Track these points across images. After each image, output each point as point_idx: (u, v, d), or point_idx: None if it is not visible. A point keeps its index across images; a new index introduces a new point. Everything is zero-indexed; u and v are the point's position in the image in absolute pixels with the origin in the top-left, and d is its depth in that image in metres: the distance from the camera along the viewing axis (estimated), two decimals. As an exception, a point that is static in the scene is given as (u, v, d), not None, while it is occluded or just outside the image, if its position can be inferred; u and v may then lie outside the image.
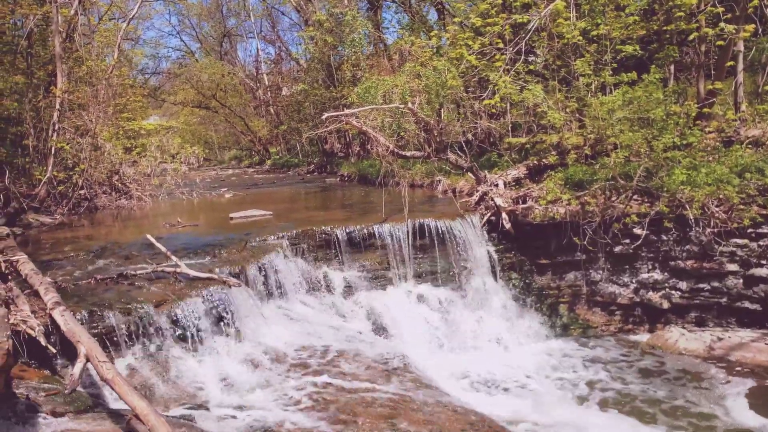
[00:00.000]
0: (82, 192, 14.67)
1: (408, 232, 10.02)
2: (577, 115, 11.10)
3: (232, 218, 12.22)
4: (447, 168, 13.83)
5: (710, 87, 12.09)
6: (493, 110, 12.61)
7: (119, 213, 14.67)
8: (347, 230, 9.94)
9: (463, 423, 5.56)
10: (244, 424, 5.32)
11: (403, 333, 8.95)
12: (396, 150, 11.01)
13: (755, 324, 9.77)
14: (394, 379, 6.62)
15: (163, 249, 8.29)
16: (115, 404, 5.00)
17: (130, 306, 6.42)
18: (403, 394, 6.20)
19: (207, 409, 5.62)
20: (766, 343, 9.18)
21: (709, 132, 11.65)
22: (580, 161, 11.01)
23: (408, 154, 11.61)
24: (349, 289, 9.51)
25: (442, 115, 11.73)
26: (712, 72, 14.07)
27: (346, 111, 10.40)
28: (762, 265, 9.65)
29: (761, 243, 9.68)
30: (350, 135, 24.49)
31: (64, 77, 14.58)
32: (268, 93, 35.83)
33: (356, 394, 6.05)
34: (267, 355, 6.96)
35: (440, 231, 10.21)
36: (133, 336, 6.23)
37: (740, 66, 12.58)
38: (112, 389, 4.40)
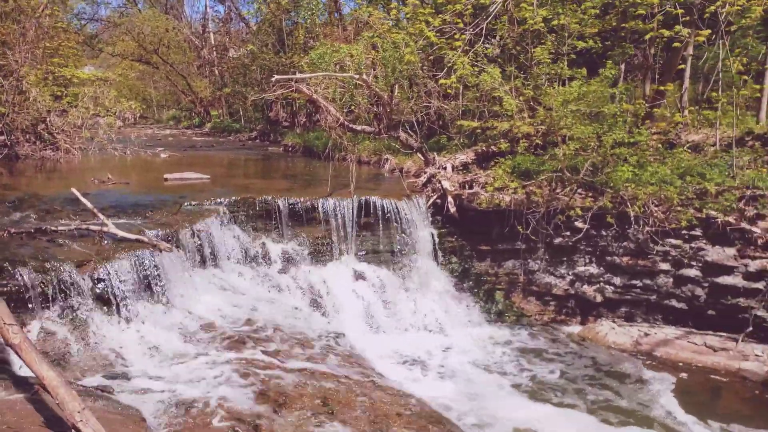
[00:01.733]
0: (0, 138, 13.51)
1: (353, 208, 9.73)
2: (531, 103, 11.05)
3: (166, 179, 11.57)
4: (395, 147, 13.59)
5: (659, 88, 12.31)
6: (449, 91, 12.40)
7: (43, 164, 13.65)
8: (289, 201, 9.55)
9: (399, 407, 5.39)
10: (166, 397, 4.95)
11: (341, 311, 8.71)
12: (346, 123, 10.65)
13: (680, 322, 10.11)
14: (329, 358, 6.38)
15: (90, 205, 7.66)
16: (23, 371, 4.51)
17: (47, 264, 5.85)
18: (339, 374, 5.97)
19: (127, 378, 5.20)
20: (688, 341, 9.49)
21: (654, 133, 11.89)
22: (529, 150, 11.00)
23: (358, 128, 11.28)
24: (287, 262, 9.16)
25: (395, 92, 11.44)
26: (656, 76, 14.41)
27: (298, 75, 9.94)
28: (692, 266, 9.96)
29: (693, 245, 9.98)
30: (297, 104, 23.80)
31: (-13, 10, 13.32)
32: (214, 53, 34.39)
33: (289, 372, 5.77)
34: (196, 325, 6.56)
35: (386, 210, 9.99)
36: (50, 297, 5.67)
37: (688, 71, 12.89)
38: (18, 356, 3.92)
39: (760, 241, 9.55)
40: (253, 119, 29.33)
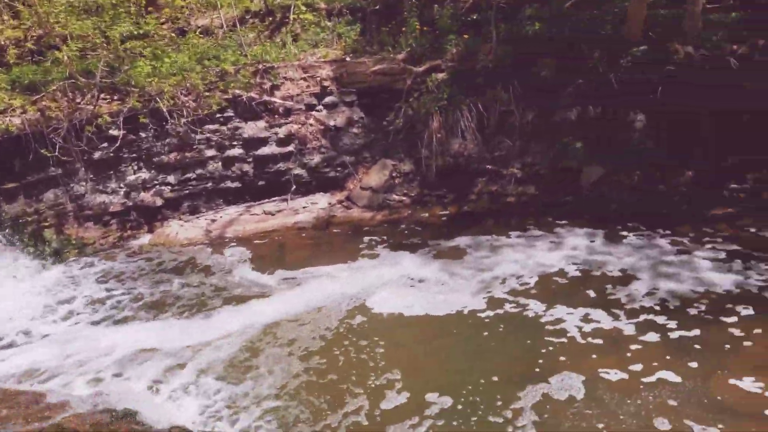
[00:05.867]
0: None
1: None
2: (12, 2, 9.18)
3: None
4: None
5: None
6: None
7: None
8: None
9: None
10: None
11: None
12: None
13: (238, 200, 10.70)
14: None
15: None
16: None
17: None
18: None
19: None
20: (251, 214, 10.25)
21: (163, 22, 11.50)
22: (24, 59, 9.30)
23: None
24: None
25: None
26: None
27: None
28: (234, 146, 10.45)
29: (230, 126, 10.42)
30: None
31: None
32: None
33: None
34: None
35: None
36: None
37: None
38: None
39: (281, 109, 10.57)
40: None
